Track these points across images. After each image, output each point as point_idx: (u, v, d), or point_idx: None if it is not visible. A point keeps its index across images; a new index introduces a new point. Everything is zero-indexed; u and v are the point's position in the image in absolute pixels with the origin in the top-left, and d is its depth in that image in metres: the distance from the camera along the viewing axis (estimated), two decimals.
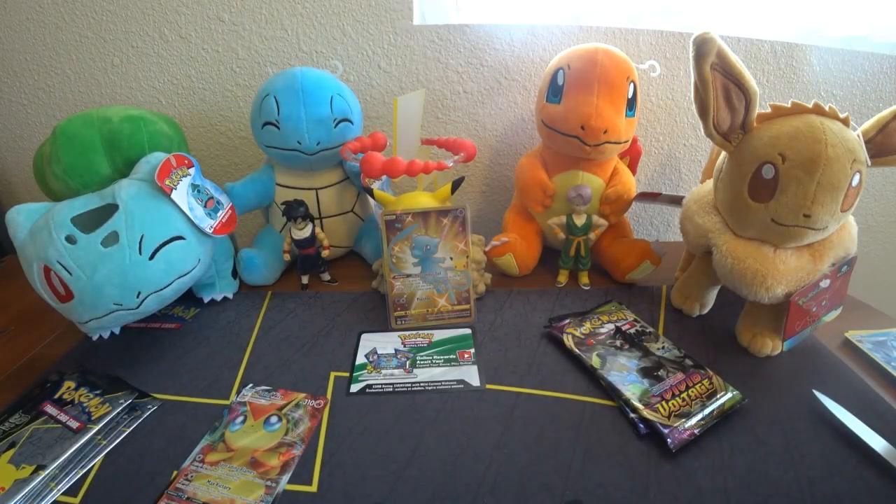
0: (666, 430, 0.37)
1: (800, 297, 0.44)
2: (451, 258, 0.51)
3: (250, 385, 0.43)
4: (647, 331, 0.49)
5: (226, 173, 0.76)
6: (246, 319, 0.53)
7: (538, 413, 0.40)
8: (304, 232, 0.56)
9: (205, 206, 0.50)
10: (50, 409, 0.40)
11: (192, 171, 0.50)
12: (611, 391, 0.42)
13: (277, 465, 0.35)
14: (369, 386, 0.43)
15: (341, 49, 0.69)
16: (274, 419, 0.39)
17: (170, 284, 0.45)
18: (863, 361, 0.47)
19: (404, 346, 0.48)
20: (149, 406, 0.41)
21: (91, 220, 0.43)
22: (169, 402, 0.42)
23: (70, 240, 0.42)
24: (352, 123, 0.58)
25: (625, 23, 0.69)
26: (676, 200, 0.56)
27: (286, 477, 0.35)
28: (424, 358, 0.47)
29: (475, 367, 0.45)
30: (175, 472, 0.35)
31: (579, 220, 0.58)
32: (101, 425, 0.38)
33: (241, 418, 0.39)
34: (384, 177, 0.58)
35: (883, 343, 0.49)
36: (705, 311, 0.53)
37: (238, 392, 0.42)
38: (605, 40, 0.61)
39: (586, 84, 0.55)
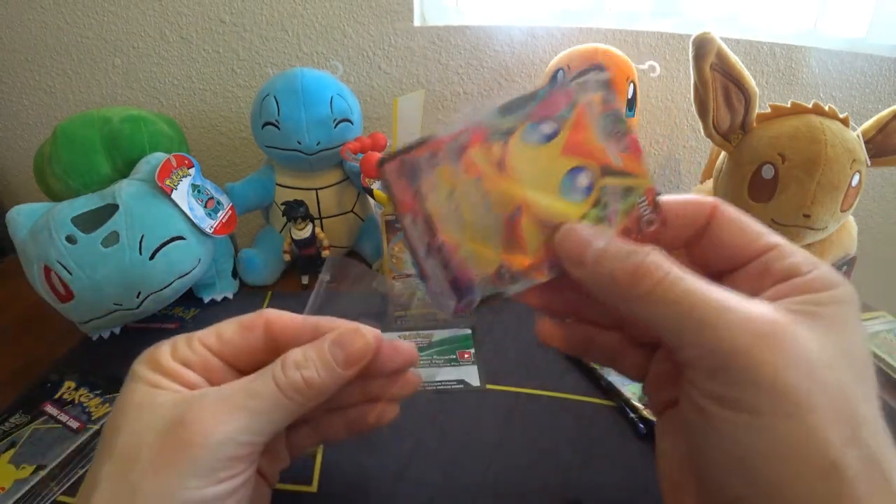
0: None
1: None
2: None
3: None
4: None
5: (226, 173, 0.77)
6: None
7: (538, 413, 0.40)
8: (304, 232, 0.56)
9: (205, 207, 0.50)
10: (50, 409, 0.40)
11: (192, 171, 0.50)
12: (611, 391, 0.42)
13: (532, 256, 0.20)
14: None
15: (342, 50, 0.69)
16: (583, 180, 0.20)
17: (170, 285, 0.45)
18: None
19: None
20: None
21: (91, 220, 0.43)
22: None
23: (70, 240, 0.42)
24: (352, 124, 0.58)
25: (624, 24, 0.70)
26: None
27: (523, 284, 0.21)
28: (424, 358, 0.47)
29: (475, 367, 0.45)
30: None
31: None
32: (101, 425, 0.38)
33: (549, 129, 0.20)
34: None
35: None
36: None
37: None
38: (605, 42, 0.61)
39: None
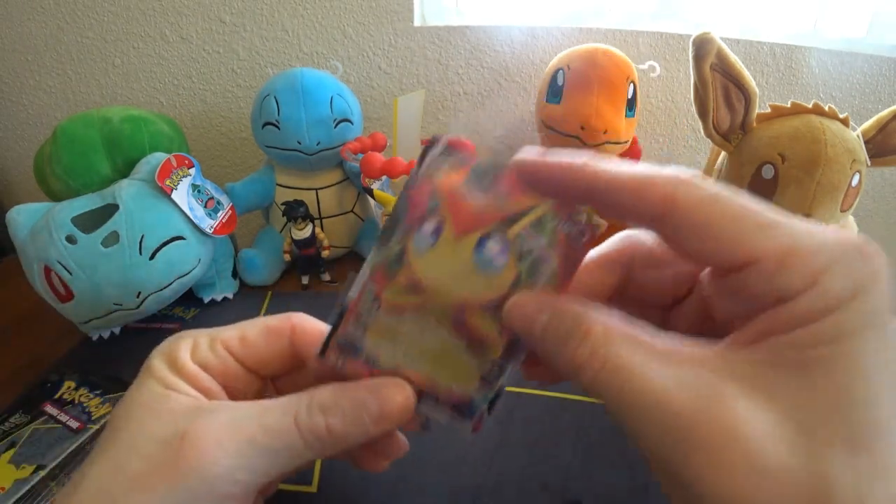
0: None
1: None
2: None
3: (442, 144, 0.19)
4: None
5: (226, 173, 0.77)
6: (246, 319, 0.52)
7: (538, 413, 0.40)
8: (304, 232, 0.56)
9: (205, 207, 0.50)
10: (50, 409, 0.40)
11: (192, 171, 0.50)
12: None
13: (499, 339, 0.19)
14: None
15: (342, 50, 0.69)
16: (493, 246, 0.19)
17: (170, 285, 0.45)
18: None
19: None
20: None
21: (91, 221, 0.43)
22: None
23: (70, 240, 0.42)
24: (352, 124, 0.58)
25: (624, 24, 0.70)
26: None
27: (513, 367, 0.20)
28: None
29: None
30: None
31: None
32: (100, 425, 0.38)
33: (432, 226, 0.19)
34: (384, 177, 0.58)
35: None
36: None
37: None
38: (605, 42, 0.61)
39: (586, 84, 0.55)
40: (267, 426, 0.18)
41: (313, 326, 0.22)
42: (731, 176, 0.44)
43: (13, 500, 0.32)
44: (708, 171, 0.58)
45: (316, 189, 0.60)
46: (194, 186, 0.50)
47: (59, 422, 0.39)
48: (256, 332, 0.22)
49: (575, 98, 0.55)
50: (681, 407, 0.14)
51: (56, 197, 0.48)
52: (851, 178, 0.40)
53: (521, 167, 0.17)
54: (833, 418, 0.13)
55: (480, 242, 0.18)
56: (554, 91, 0.57)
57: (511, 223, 0.18)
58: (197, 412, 0.18)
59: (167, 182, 0.46)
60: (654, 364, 0.14)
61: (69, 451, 0.36)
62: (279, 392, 0.20)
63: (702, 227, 0.15)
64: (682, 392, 0.14)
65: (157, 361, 0.20)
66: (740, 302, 0.15)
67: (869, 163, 0.42)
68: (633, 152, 0.64)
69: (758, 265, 0.14)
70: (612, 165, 0.16)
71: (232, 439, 0.17)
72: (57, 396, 0.41)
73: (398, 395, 0.19)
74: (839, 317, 0.13)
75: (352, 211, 0.63)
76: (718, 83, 0.42)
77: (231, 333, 0.21)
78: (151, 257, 0.43)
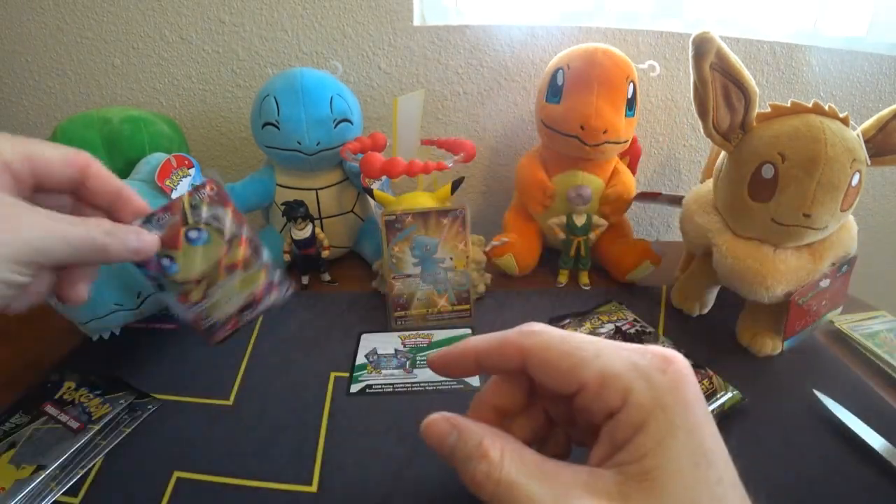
0: None
1: (799, 296, 0.44)
2: (451, 258, 0.51)
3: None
4: (647, 331, 0.49)
5: (226, 174, 0.77)
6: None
7: None
8: (304, 232, 0.56)
9: None
10: (50, 409, 0.40)
11: (192, 171, 0.50)
12: None
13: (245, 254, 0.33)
14: (369, 386, 0.43)
15: (341, 50, 0.69)
16: (193, 233, 0.32)
17: None
18: (860, 360, 0.47)
19: (404, 347, 0.48)
20: (149, 406, 0.41)
21: None
22: (169, 402, 0.42)
23: None
24: (351, 124, 0.58)
25: (624, 24, 0.70)
26: (676, 200, 0.56)
27: (263, 256, 0.35)
28: (424, 358, 0.47)
29: None
30: (174, 473, 0.35)
31: (579, 220, 0.58)
32: (101, 425, 0.38)
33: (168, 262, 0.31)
34: (384, 177, 0.58)
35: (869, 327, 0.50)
36: (705, 310, 0.53)
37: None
38: (605, 41, 0.61)
39: (586, 84, 0.55)
40: (71, 225, 0.23)
41: (105, 174, 0.27)
42: (731, 176, 0.44)
43: (13, 500, 0.32)
44: (708, 170, 0.58)
45: (316, 189, 0.60)
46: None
47: (59, 422, 0.39)
48: (57, 158, 0.25)
49: (575, 97, 0.55)
50: None
51: None
52: (851, 178, 0.40)
53: (432, 366, 0.25)
54: None
55: (187, 238, 0.31)
56: (554, 91, 0.57)
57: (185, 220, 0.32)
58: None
59: (167, 182, 0.46)
60: (536, 485, 0.18)
61: (70, 451, 0.36)
62: None
63: (546, 369, 0.21)
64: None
65: None
66: (586, 417, 0.20)
67: (869, 162, 0.41)
68: (632, 152, 0.64)
69: (586, 390, 0.20)
70: (475, 342, 0.23)
71: (41, 220, 0.22)
72: (57, 397, 0.41)
73: (151, 238, 0.29)
74: (649, 431, 0.18)
75: (352, 211, 0.63)
76: (718, 82, 0.42)
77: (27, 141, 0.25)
78: None
